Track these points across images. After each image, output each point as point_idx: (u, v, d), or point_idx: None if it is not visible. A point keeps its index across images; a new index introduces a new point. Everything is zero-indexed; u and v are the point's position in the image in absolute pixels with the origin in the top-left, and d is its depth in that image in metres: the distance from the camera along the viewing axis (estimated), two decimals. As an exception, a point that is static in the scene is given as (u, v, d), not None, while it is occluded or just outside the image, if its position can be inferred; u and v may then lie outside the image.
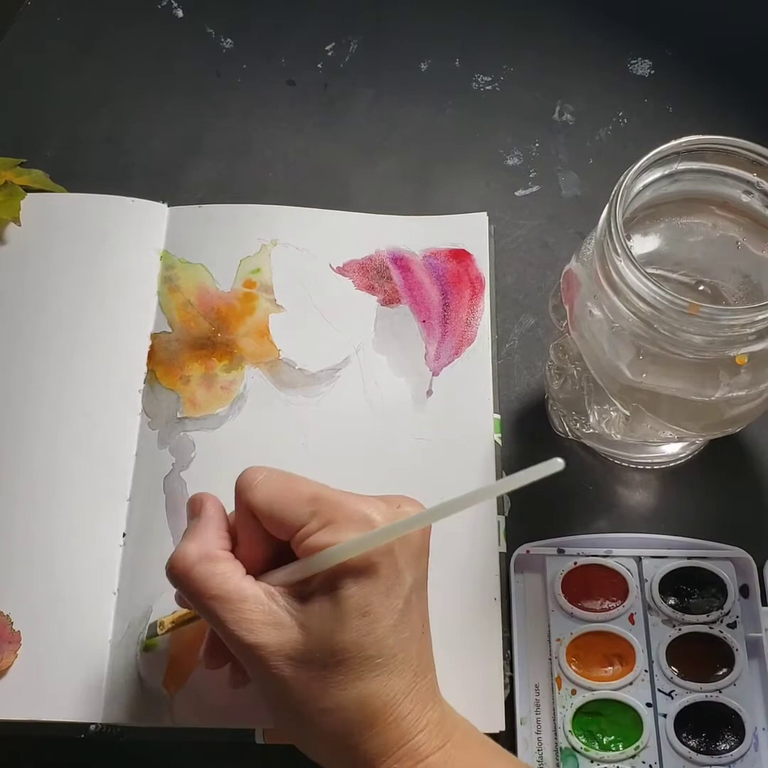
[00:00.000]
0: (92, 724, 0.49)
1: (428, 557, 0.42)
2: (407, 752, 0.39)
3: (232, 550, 0.42)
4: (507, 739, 0.48)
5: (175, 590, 0.43)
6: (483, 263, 0.60)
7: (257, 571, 0.42)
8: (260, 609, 0.39)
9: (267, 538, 0.42)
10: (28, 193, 0.61)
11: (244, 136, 0.66)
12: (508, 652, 0.50)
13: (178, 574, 0.41)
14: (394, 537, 0.39)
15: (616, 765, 0.48)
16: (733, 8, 0.70)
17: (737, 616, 0.51)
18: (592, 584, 0.51)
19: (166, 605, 0.50)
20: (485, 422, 0.55)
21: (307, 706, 0.39)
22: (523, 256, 0.62)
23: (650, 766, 0.48)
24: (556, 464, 0.35)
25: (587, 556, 0.52)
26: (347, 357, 0.57)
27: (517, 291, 0.61)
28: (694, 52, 0.68)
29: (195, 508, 0.44)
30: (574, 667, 0.50)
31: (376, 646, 0.39)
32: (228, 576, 0.40)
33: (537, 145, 0.66)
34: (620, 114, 0.67)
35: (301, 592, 0.40)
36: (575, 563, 0.52)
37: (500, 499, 0.54)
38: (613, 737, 0.49)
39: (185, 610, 0.48)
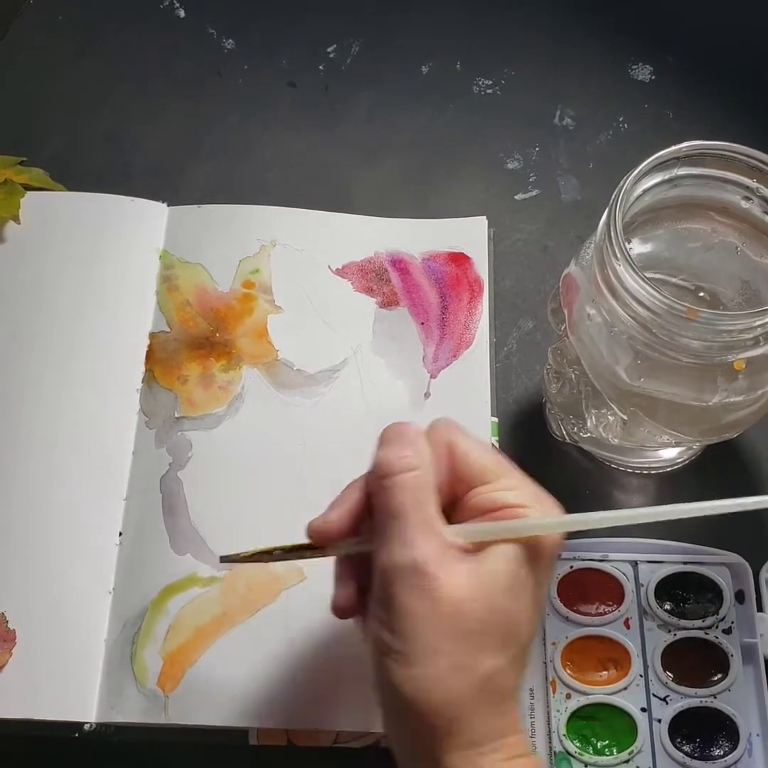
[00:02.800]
0: (86, 723, 0.49)
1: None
2: (506, 745, 0.37)
3: None
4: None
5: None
6: (482, 266, 0.60)
7: None
8: (441, 546, 0.37)
9: (445, 489, 0.40)
10: (28, 192, 0.61)
11: (244, 137, 0.66)
12: (504, 655, 0.50)
13: (402, 465, 0.39)
14: (593, 526, 0.38)
15: (610, 769, 0.48)
16: (734, 15, 0.70)
17: (732, 622, 0.51)
18: (588, 588, 0.51)
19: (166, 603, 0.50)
20: (482, 425, 0.55)
21: (442, 654, 0.37)
22: (522, 260, 0.62)
23: (644, 770, 0.48)
24: None
25: (583, 560, 0.52)
26: (345, 358, 0.57)
27: (516, 294, 0.61)
28: (695, 58, 0.69)
29: (401, 428, 0.41)
30: (569, 671, 0.50)
31: (520, 627, 0.38)
32: (436, 504, 0.39)
33: (537, 149, 0.66)
34: (620, 119, 0.67)
35: (478, 548, 0.39)
36: (571, 567, 0.52)
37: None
38: (607, 742, 0.49)
39: (291, 545, 0.43)
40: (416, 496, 0.38)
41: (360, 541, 0.40)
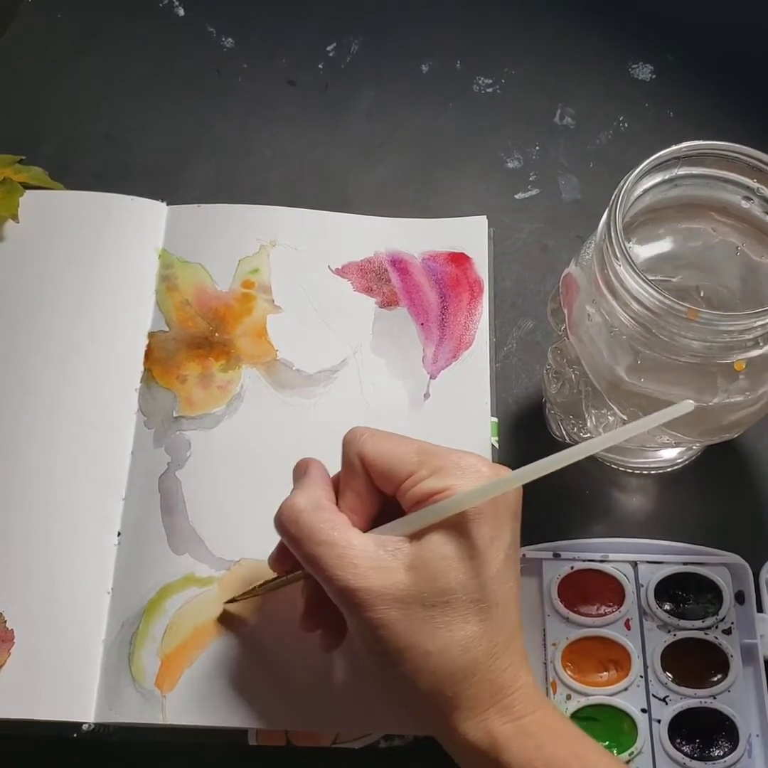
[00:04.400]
0: (85, 723, 0.49)
1: (520, 523, 0.43)
2: (504, 708, 0.39)
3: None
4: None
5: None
6: (482, 266, 0.60)
7: (362, 529, 0.43)
8: (366, 554, 0.40)
9: (372, 493, 0.43)
10: (27, 191, 0.61)
11: (244, 136, 0.66)
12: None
13: (286, 521, 0.42)
14: (509, 488, 0.40)
15: (609, 770, 0.48)
16: (735, 14, 0.70)
17: (732, 623, 0.50)
18: (589, 589, 0.51)
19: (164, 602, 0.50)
20: (482, 426, 0.55)
21: (411, 649, 0.39)
22: (523, 260, 0.62)
23: (644, 771, 0.48)
24: (687, 405, 0.36)
25: (584, 561, 0.52)
26: (345, 359, 0.57)
27: (516, 294, 0.61)
28: (696, 58, 0.68)
29: (300, 470, 0.46)
30: (569, 672, 0.50)
31: (482, 590, 0.40)
32: (335, 524, 0.41)
33: (537, 148, 0.66)
34: (621, 118, 0.67)
35: (408, 536, 0.41)
36: (572, 568, 0.51)
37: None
38: (607, 742, 0.49)
39: (268, 579, 0.48)
40: (315, 533, 0.41)
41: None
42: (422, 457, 0.42)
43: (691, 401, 0.36)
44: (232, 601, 0.50)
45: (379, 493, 0.43)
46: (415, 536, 0.41)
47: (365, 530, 0.42)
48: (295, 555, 0.43)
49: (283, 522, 0.42)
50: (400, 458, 0.42)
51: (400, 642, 0.39)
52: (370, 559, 0.40)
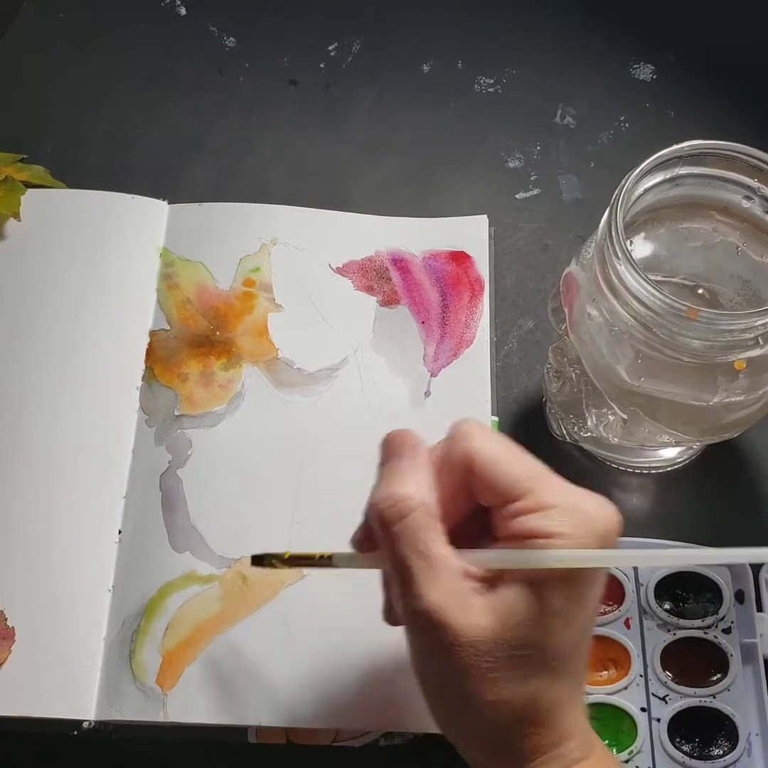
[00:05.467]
0: (85, 720, 0.49)
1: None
2: (557, 756, 0.37)
3: None
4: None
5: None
6: (483, 265, 0.60)
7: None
8: (456, 587, 0.36)
9: (466, 497, 0.38)
10: (29, 189, 0.61)
11: (245, 135, 0.66)
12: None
13: (394, 515, 0.37)
14: (627, 565, 0.37)
15: (609, 769, 0.48)
16: (736, 14, 0.70)
17: (732, 622, 0.51)
18: (588, 588, 0.51)
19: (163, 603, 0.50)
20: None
21: (476, 697, 0.36)
22: (523, 259, 0.62)
23: (643, 770, 0.48)
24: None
25: (583, 559, 0.52)
26: (346, 357, 0.57)
27: (517, 293, 0.61)
28: (697, 58, 0.68)
29: (401, 447, 0.39)
30: (568, 671, 0.50)
31: (558, 650, 0.36)
32: (442, 537, 0.37)
33: (538, 148, 0.66)
34: (622, 118, 0.67)
35: (495, 575, 0.37)
36: (571, 566, 0.52)
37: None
38: (607, 741, 0.49)
39: (308, 555, 0.43)
40: (418, 541, 0.37)
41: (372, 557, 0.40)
42: (538, 484, 0.37)
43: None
44: (259, 562, 0.45)
45: (472, 499, 0.38)
46: (503, 574, 0.36)
47: (447, 532, 0.38)
48: (381, 544, 0.38)
49: (388, 515, 0.37)
50: (516, 475, 0.37)
51: (465, 686, 0.36)
52: (459, 593, 0.36)
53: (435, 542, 0.37)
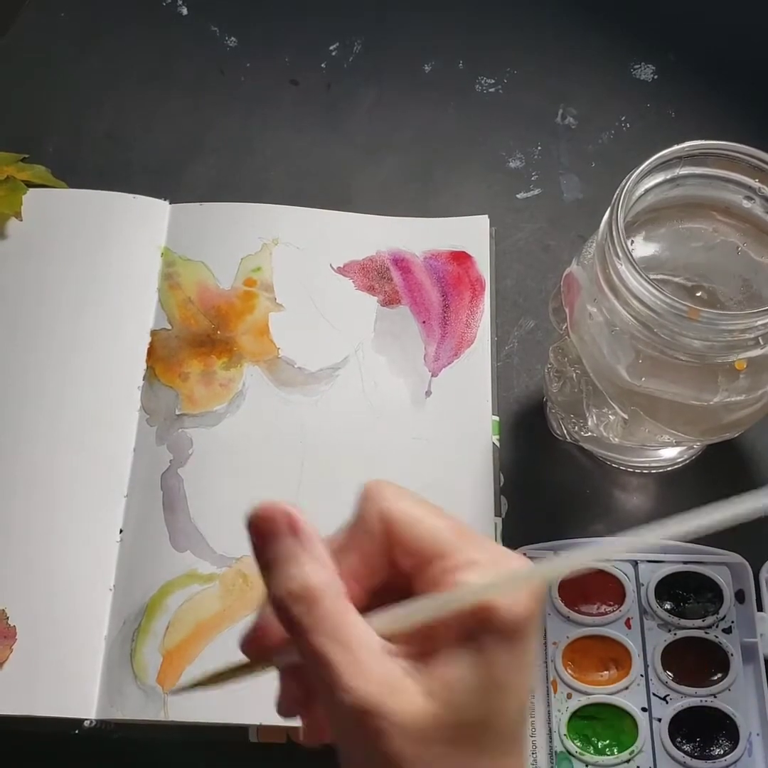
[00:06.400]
0: (86, 719, 0.49)
1: None
2: None
3: None
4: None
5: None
6: (483, 265, 0.60)
7: (359, 604, 0.33)
8: (383, 670, 0.31)
9: (383, 562, 0.33)
10: (30, 189, 0.61)
11: (246, 135, 0.66)
12: (504, 654, 0.50)
13: (299, 601, 0.31)
14: (555, 575, 0.34)
15: (609, 768, 0.48)
16: (737, 14, 0.70)
17: (733, 621, 0.51)
18: (589, 588, 0.51)
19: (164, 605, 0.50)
20: (483, 424, 0.55)
21: None
22: (524, 259, 0.62)
23: (644, 770, 0.48)
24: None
25: (584, 559, 0.52)
26: (346, 357, 0.57)
27: (518, 293, 0.61)
28: (697, 58, 0.68)
29: (277, 525, 0.33)
30: (570, 671, 0.50)
31: (506, 727, 0.32)
32: (357, 622, 0.31)
33: (539, 148, 0.66)
34: (623, 118, 0.67)
35: (421, 650, 0.32)
36: (572, 566, 0.51)
37: (497, 501, 0.53)
38: (608, 741, 0.49)
39: (228, 667, 0.38)
40: (335, 630, 0.31)
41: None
42: (461, 540, 0.32)
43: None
44: (180, 689, 0.44)
45: (389, 564, 0.33)
46: (437, 648, 0.31)
47: (362, 606, 0.32)
48: (294, 640, 0.32)
49: (290, 603, 0.31)
50: (436, 533, 0.32)
51: None
52: (387, 677, 0.31)
53: (353, 627, 0.31)
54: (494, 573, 0.31)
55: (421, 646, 0.32)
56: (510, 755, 0.32)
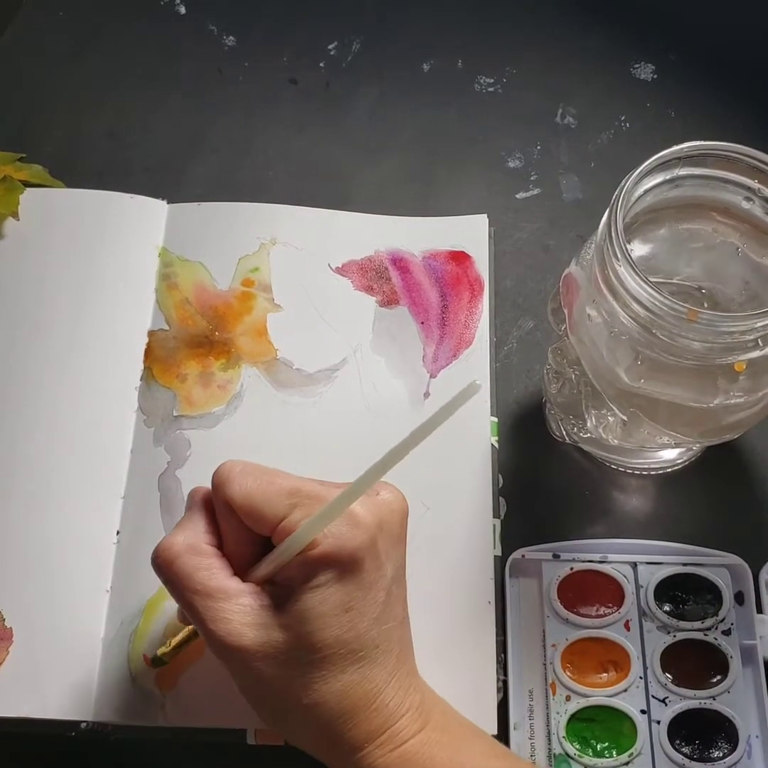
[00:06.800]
0: (83, 722, 0.49)
1: (406, 544, 0.42)
2: (388, 738, 0.39)
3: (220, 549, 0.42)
4: (500, 743, 0.48)
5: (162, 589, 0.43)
6: (482, 265, 0.60)
7: (243, 570, 0.41)
8: (241, 609, 0.39)
9: (250, 534, 0.41)
10: (28, 188, 0.61)
11: (245, 134, 0.66)
12: (502, 656, 0.50)
13: (161, 564, 0.40)
14: (355, 498, 0.38)
15: (608, 771, 0.48)
16: (737, 14, 0.70)
17: (732, 623, 0.50)
18: (588, 590, 0.51)
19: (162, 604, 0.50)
20: (482, 425, 0.55)
21: (288, 702, 0.39)
22: (523, 259, 0.62)
23: (643, 772, 0.48)
24: (474, 388, 0.36)
25: (583, 561, 0.52)
26: (345, 358, 0.57)
27: (517, 294, 0.61)
28: (698, 58, 0.68)
29: (190, 501, 0.43)
30: (568, 673, 0.50)
31: (359, 641, 0.39)
32: (213, 572, 0.40)
33: (538, 147, 0.66)
34: (622, 118, 0.66)
35: (286, 589, 0.39)
36: (571, 569, 0.51)
37: (496, 502, 0.53)
38: (606, 744, 0.49)
39: (182, 633, 0.48)
40: (192, 581, 0.39)
41: None
42: (296, 500, 0.40)
43: (479, 382, 0.35)
44: (160, 664, 0.49)
45: (257, 535, 0.41)
46: (292, 590, 0.39)
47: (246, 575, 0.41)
48: (172, 597, 0.41)
49: (159, 564, 0.40)
50: (271, 502, 0.40)
51: (276, 696, 0.39)
52: (246, 613, 0.39)
53: (210, 578, 0.39)
54: (310, 514, 0.38)
55: (282, 589, 0.39)
56: (373, 664, 0.39)
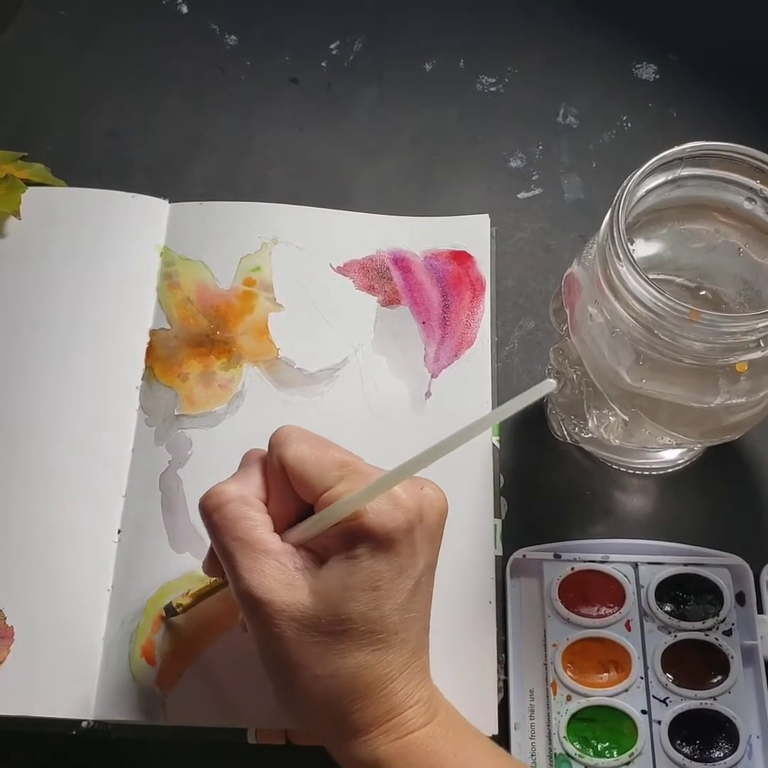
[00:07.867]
0: (84, 720, 0.49)
1: (440, 545, 0.42)
2: (394, 726, 0.39)
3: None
4: (501, 743, 0.48)
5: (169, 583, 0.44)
6: (484, 265, 0.60)
7: (280, 532, 0.41)
8: (277, 565, 0.39)
9: (294, 500, 0.41)
10: (29, 187, 0.61)
11: (246, 134, 0.66)
12: (503, 655, 0.50)
13: (210, 507, 0.41)
14: (401, 480, 0.39)
15: (609, 771, 0.48)
16: (738, 14, 0.70)
17: (733, 624, 0.50)
18: (589, 590, 0.51)
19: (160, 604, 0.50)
20: (483, 425, 0.55)
21: (302, 670, 0.39)
22: (525, 259, 0.62)
23: (643, 772, 0.48)
24: (548, 384, 0.34)
25: (584, 561, 0.52)
26: (346, 357, 0.57)
27: (518, 294, 0.61)
28: (699, 58, 0.68)
29: (246, 459, 0.44)
30: (569, 673, 0.50)
31: (381, 622, 0.39)
32: (257, 524, 0.40)
33: (540, 147, 0.66)
34: (624, 118, 0.66)
35: (320, 556, 0.40)
36: (572, 569, 0.51)
37: (497, 502, 0.53)
38: (607, 744, 0.49)
39: (202, 585, 0.48)
40: (236, 528, 0.40)
41: None
42: (344, 472, 0.40)
43: (552, 381, 0.35)
44: (172, 614, 0.50)
45: (300, 501, 0.42)
46: (325, 558, 0.40)
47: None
48: (212, 543, 0.42)
49: (207, 507, 0.41)
50: (321, 469, 0.40)
51: (291, 659, 0.39)
52: (279, 571, 0.39)
53: (253, 528, 0.40)
54: (354, 489, 0.39)
55: (319, 554, 0.40)
56: (390, 649, 0.40)
